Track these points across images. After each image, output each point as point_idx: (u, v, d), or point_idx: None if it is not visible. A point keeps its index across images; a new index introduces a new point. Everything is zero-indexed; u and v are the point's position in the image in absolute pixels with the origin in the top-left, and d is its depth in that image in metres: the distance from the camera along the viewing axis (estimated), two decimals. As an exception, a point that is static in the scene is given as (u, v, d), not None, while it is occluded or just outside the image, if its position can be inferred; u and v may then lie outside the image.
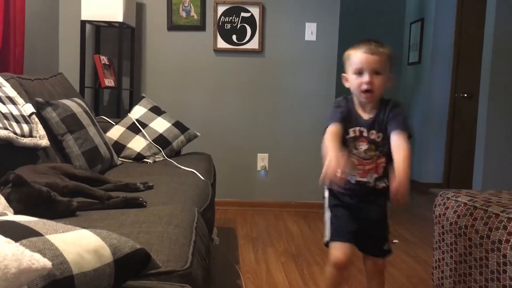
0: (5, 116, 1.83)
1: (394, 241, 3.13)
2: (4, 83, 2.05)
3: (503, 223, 1.67)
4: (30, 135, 1.94)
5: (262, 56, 3.83)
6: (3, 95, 1.94)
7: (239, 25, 3.77)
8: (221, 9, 3.75)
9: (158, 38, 3.78)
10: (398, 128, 1.61)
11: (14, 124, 1.86)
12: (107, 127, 2.85)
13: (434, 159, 5.18)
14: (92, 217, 1.44)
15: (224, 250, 2.82)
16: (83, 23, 3.40)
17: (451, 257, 2.00)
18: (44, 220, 0.85)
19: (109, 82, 3.48)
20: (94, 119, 2.56)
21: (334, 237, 1.69)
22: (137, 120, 2.87)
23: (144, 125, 2.85)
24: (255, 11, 3.76)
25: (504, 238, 1.64)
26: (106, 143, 2.51)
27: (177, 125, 2.95)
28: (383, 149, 1.66)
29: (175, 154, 2.91)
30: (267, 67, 3.84)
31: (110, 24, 3.46)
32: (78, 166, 2.18)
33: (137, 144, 2.77)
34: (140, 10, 3.74)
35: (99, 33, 3.69)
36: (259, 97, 3.86)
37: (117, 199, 1.65)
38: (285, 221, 3.56)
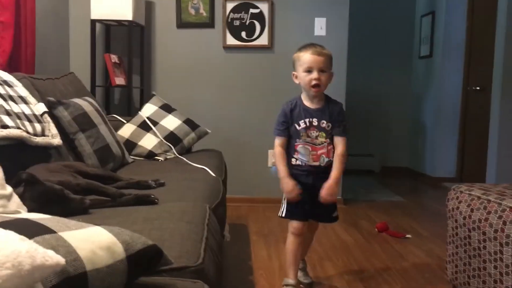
0: (17, 115, 1.85)
1: (407, 235, 3.12)
2: (16, 82, 2.07)
3: (518, 217, 1.65)
4: (43, 134, 1.96)
5: (272, 52, 3.82)
6: (15, 95, 1.96)
7: (248, 22, 3.76)
8: (230, 5, 3.75)
9: (168, 36, 3.79)
10: (342, 135, 2.04)
11: (26, 123, 1.87)
12: (118, 126, 2.86)
13: (446, 153, 5.14)
14: (105, 214, 1.45)
15: (236, 247, 2.82)
16: (93, 22, 3.42)
17: (465, 251, 1.98)
18: (57, 218, 0.86)
19: (119, 80, 3.50)
20: (106, 118, 2.58)
21: (291, 216, 2.10)
22: (148, 118, 2.88)
23: (155, 123, 2.86)
24: (264, 7, 3.75)
25: (519, 232, 1.62)
26: (117, 141, 2.52)
27: (188, 122, 2.95)
28: (332, 136, 2.03)
29: (186, 151, 2.92)
30: (277, 63, 3.83)
31: (119, 23, 3.48)
32: (90, 164, 2.20)
33: (148, 141, 2.78)
34: (149, 8, 3.75)
35: (109, 32, 3.70)
36: (269, 93, 3.85)
37: (129, 196, 1.66)
38: (297, 217, 3.55)
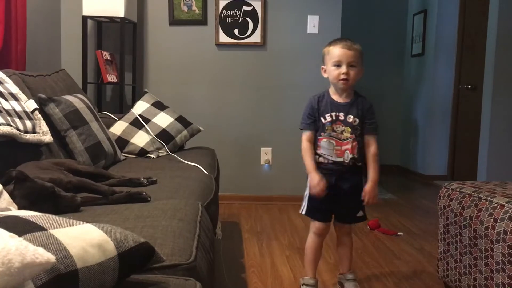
0: (8, 112, 1.83)
1: (399, 233, 3.13)
2: (7, 79, 2.05)
3: (508, 214, 1.66)
4: (33, 131, 1.95)
5: (265, 49, 3.82)
6: (5, 92, 1.94)
7: (241, 19, 3.76)
8: (222, 3, 3.74)
9: (160, 33, 3.78)
10: (373, 132, 2.03)
11: (17, 120, 1.86)
12: (110, 123, 2.85)
13: (438, 151, 5.17)
14: (96, 212, 1.44)
15: (229, 244, 2.82)
16: (85, 18, 3.39)
17: (456, 248, 1.99)
18: (48, 215, 0.85)
19: (111, 77, 3.48)
20: (97, 115, 2.56)
21: (313, 216, 2.09)
22: (140, 115, 2.87)
23: (147, 120, 2.85)
24: (257, 5, 3.74)
25: (510, 229, 1.64)
26: (109, 139, 2.51)
27: (180, 120, 2.94)
28: (357, 133, 2.00)
29: (179, 149, 2.91)
30: (270, 60, 3.82)
31: (111, 19, 3.46)
32: (81, 162, 2.18)
33: (140, 139, 2.77)
34: (141, 5, 3.73)
35: (100, 28, 3.68)
36: (262, 91, 3.85)
37: (121, 194, 1.65)
38: (289, 214, 3.56)
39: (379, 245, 2.91)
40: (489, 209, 1.77)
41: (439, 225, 2.14)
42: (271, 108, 3.86)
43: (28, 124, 1.93)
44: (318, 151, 2.02)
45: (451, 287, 2.07)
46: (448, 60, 5.07)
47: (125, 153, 2.73)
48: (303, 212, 2.10)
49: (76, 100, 2.40)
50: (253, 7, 3.75)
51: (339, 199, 2.04)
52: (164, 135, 2.81)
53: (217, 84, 3.83)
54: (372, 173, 2.01)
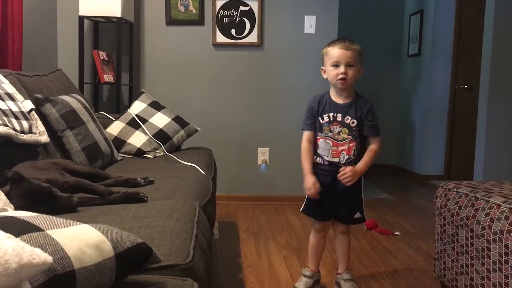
0: (4, 112, 1.83)
1: (396, 233, 3.14)
2: (3, 79, 2.04)
3: (505, 214, 1.67)
4: (30, 131, 1.94)
5: (262, 50, 3.82)
6: (2, 92, 1.93)
7: (237, 19, 3.75)
8: (219, 3, 3.73)
9: (157, 33, 3.77)
10: (373, 135, 2.05)
11: (13, 120, 1.85)
12: (107, 123, 2.84)
13: (434, 151, 5.18)
14: (93, 213, 1.44)
15: (226, 244, 2.82)
16: (81, 18, 3.38)
17: (453, 248, 2.00)
18: (45, 215, 0.85)
19: (108, 77, 3.47)
20: (94, 115, 2.56)
21: (311, 215, 2.15)
22: (136, 115, 2.87)
23: (144, 121, 2.85)
24: (254, 5, 3.74)
25: (506, 229, 1.64)
26: (106, 139, 2.50)
27: (177, 120, 2.94)
28: (355, 134, 2.01)
29: (176, 149, 2.91)
30: (267, 60, 3.82)
31: (108, 19, 3.45)
32: (78, 162, 2.18)
33: (137, 139, 2.77)
34: (138, 5, 3.72)
35: (97, 28, 3.67)
36: (259, 91, 3.85)
37: (118, 194, 1.65)
38: (286, 214, 3.56)
39: (376, 245, 2.91)
40: (486, 209, 1.78)
41: (435, 224, 2.15)
42: (268, 108, 3.86)
43: (25, 124, 1.92)
44: (317, 151, 2.06)
45: (448, 287, 2.07)
46: (445, 60, 5.08)
47: (122, 153, 2.72)
48: (302, 210, 2.16)
49: (73, 100, 2.39)
50: (250, 7, 3.75)
51: (335, 199, 2.08)
52: (161, 135, 2.81)
53: (214, 84, 3.83)
54: (361, 163, 2.02)
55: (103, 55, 3.51)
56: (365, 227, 3.22)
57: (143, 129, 2.80)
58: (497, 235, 1.68)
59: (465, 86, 4.77)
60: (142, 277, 0.97)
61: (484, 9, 4.12)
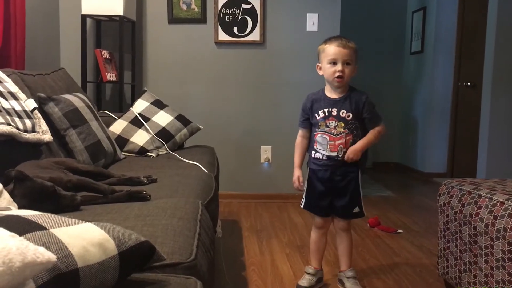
0: (7, 111, 1.83)
1: (399, 231, 3.14)
2: (6, 78, 2.04)
3: (508, 211, 1.67)
4: (33, 130, 1.94)
5: (264, 47, 3.81)
6: (5, 91, 1.94)
7: (240, 17, 3.75)
8: (221, 1, 3.73)
9: (159, 32, 3.77)
10: (375, 127, 2.07)
11: (16, 119, 1.86)
12: (109, 122, 2.84)
13: (437, 149, 5.17)
14: (96, 211, 1.44)
15: (229, 242, 2.82)
16: (84, 17, 3.39)
17: (456, 246, 1.99)
18: (48, 214, 0.85)
19: (110, 76, 3.48)
20: (97, 114, 2.56)
21: (311, 210, 2.19)
22: (139, 114, 2.87)
23: (147, 119, 2.85)
24: (256, 3, 3.74)
25: (510, 226, 1.64)
26: (109, 138, 2.51)
27: (180, 118, 2.94)
28: (351, 127, 2.03)
29: (178, 147, 2.91)
30: (269, 58, 3.82)
31: (110, 18, 3.45)
32: (81, 161, 2.18)
33: (140, 138, 2.77)
34: (140, 3, 3.72)
35: (99, 27, 3.68)
36: (262, 89, 3.85)
37: (121, 192, 1.65)
38: (289, 212, 3.56)
39: (379, 243, 2.91)
40: (489, 206, 1.77)
41: (439, 222, 2.14)
42: (271, 106, 3.86)
43: (28, 123, 1.93)
44: (315, 147, 2.09)
45: (451, 284, 2.07)
46: (447, 57, 5.07)
47: (124, 152, 2.73)
48: (302, 206, 2.21)
49: (76, 99, 2.40)
50: (252, 5, 3.74)
51: (335, 194, 2.11)
52: (163, 134, 2.81)
53: (216, 83, 3.83)
54: (361, 140, 2.04)
55: (105, 53, 3.51)
56: (368, 224, 3.22)
57: (145, 127, 2.80)
58: (501, 233, 1.68)
59: (468, 83, 4.76)
60: (145, 275, 0.97)
61: (487, 6, 4.10)
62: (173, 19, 3.75)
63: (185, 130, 2.92)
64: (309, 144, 2.14)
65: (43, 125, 2.03)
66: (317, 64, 2.09)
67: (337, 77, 1.99)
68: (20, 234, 0.70)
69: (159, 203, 1.53)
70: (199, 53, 3.79)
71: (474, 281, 1.86)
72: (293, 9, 3.78)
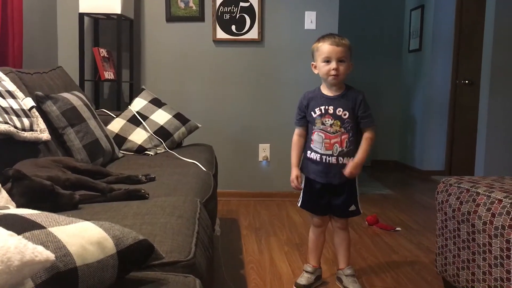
0: (5, 110, 1.83)
1: (397, 228, 3.14)
2: (4, 77, 2.04)
3: (506, 209, 1.67)
4: (31, 129, 1.94)
5: (262, 46, 3.81)
6: (2, 89, 1.93)
7: (238, 15, 3.75)
8: (219, -1, 3.73)
9: (157, 30, 3.77)
10: (368, 126, 2.07)
11: (14, 118, 1.85)
12: (107, 120, 2.84)
13: (435, 147, 5.18)
14: (95, 210, 1.44)
15: (227, 241, 2.83)
16: (81, 15, 3.38)
17: (454, 243, 2.00)
18: (47, 213, 0.85)
19: (108, 74, 3.47)
20: (95, 112, 2.56)
21: (308, 209, 2.20)
22: (137, 112, 2.87)
23: (145, 117, 2.85)
24: (254, 1, 3.73)
25: (508, 224, 1.64)
26: (107, 136, 2.50)
27: (178, 116, 2.94)
28: (347, 126, 2.03)
29: (177, 145, 2.91)
30: (267, 57, 3.82)
31: (108, 16, 3.45)
32: (79, 159, 2.18)
33: (138, 136, 2.77)
34: (138, 1, 3.71)
35: (97, 25, 3.67)
36: (260, 87, 3.85)
37: (119, 191, 1.65)
38: (287, 210, 3.57)
39: (377, 241, 2.92)
40: (487, 204, 1.78)
41: (437, 220, 2.15)
42: (269, 105, 3.86)
43: (26, 122, 1.92)
44: (311, 145, 2.09)
45: (449, 282, 2.08)
46: (445, 55, 5.07)
47: (123, 150, 2.72)
48: (299, 205, 2.22)
49: (74, 98, 2.39)
50: (250, 3, 3.74)
51: (331, 193, 2.11)
52: (162, 132, 2.81)
53: (214, 81, 3.83)
54: (360, 152, 2.04)
55: (103, 52, 3.51)
56: (366, 222, 3.22)
57: (144, 126, 2.80)
58: (499, 230, 1.68)
59: (466, 81, 4.76)
60: (144, 274, 0.97)
61: (485, 4, 4.11)
62: (171, 17, 3.75)
63: (183, 129, 2.92)
64: (306, 143, 2.14)
65: (41, 124, 2.03)
66: (312, 63, 2.09)
67: (332, 75, 1.99)
68: (19, 233, 0.70)
69: (157, 201, 1.53)
70: (197, 51, 3.79)
71: (472, 278, 1.86)
72: (291, 7, 3.78)
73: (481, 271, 1.80)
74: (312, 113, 2.07)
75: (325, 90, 2.08)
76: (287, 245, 2.79)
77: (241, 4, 3.74)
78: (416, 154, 5.39)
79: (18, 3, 2.70)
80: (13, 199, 1.30)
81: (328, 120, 2.03)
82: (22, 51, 2.77)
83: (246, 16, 3.75)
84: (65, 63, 3.35)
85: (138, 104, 2.94)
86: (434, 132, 5.16)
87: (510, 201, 1.68)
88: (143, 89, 3.09)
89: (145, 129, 2.79)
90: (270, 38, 3.80)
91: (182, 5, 3.74)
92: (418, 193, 4.45)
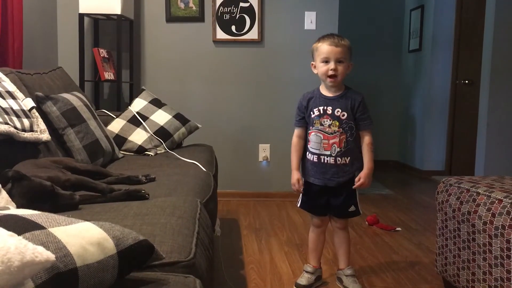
0: (5, 111, 1.83)
1: (397, 228, 3.14)
2: (4, 77, 2.04)
3: (506, 209, 1.67)
4: (31, 129, 1.94)
5: (262, 46, 3.81)
6: (2, 90, 1.93)
7: (238, 16, 3.75)
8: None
9: (157, 30, 3.77)
10: (366, 129, 2.07)
11: (14, 118, 1.85)
12: (107, 121, 2.84)
13: (435, 147, 5.18)
14: (95, 210, 1.44)
15: (227, 241, 2.82)
16: (81, 16, 3.38)
17: (454, 243, 2.00)
18: (47, 213, 0.85)
19: (108, 75, 3.47)
20: (95, 113, 2.56)
21: (307, 209, 2.21)
22: (137, 112, 2.87)
23: (145, 118, 2.85)
24: (254, 1, 3.73)
25: (508, 224, 1.64)
26: (107, 136, 2.50)
27: (178, 117, 2.94)
28: (346, 127, 2.03)
29: (177, 146, 2.91)
30: (267, 57, 3.82)
31: (108, 16, 3.45)
32: (79, 160, 2.18)
33: (138, 136, 2.77)
34: (138, 2, 3.72)
35: (97, 26, 3.67)
36: (260, 88, 3.85)
37: (120, 191, 1.65)
38: (287, 211, 3.56)
39: (377, 241, 2.92)
40: (487, 204, 1.78)
41: (437, 220, 2.15)
42: (269, 105, 3.86)
43: (26, 122, 1.92)
44: (309, 146, 2.09)
45: (450, 282, 2.08)
46: (445, 55, 5.07)
47: (123, 150, 2.72)
48: (298, 205, 2.22)
49: (74, 98, 2.39)
50: (250, 4, 3.74)
51: (330, 193, 2.11)
52: (162, 133, 2.81)
53: (214, 81, 3.83)
54: (367, 161, 2.06)
55: (103, 52, 3.51)
56: (366, 223, 3.22)
57: (144, 126, 2.80)
58: (499, 230, 1.68)
59: (466, 81, 4.76)
60: (144, 274, 0.97)
61: (484, 4, 4.11)
62: (171, 18, 3.75)
63: (183, 129, 2.92)
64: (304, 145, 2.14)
65: (41, 124, 2.03)
66: (312, 62, 2.09)
67: (330, 75, 1.99)
68: (19, 234, 0.70)
69: (157, 202, 1.53)
70: (197, 51, 3.79)
71: (473, 278, 1.86)
72: (291, 7, 3.78)
73: (481, 271, 1.80)
74: (311, 113, 2.07)
75: (324, 91, 2.09)
76: (287, 245, 2.79)
77: (241, 4, 3.74)
78: (416, 154, 5.39)
79: (18, 3, 2.70)
80: (13, 200, 1.30)
81: (327, 121, 2.03)
82: (22, 51, 2.77)
83: (246, 16, 3.75)
84: (65, 64, 3.36)
85: (138, 104, 2.94)
86: (434, 132, 5.16)
87: (510, 201, 1.68)
88: (143, 90, 3.09)
89: (145, 129, 2.79)
90: (270, 38, 3.80)
91: (182, 5, 3.74)
92: (418, 193, 4.45)
